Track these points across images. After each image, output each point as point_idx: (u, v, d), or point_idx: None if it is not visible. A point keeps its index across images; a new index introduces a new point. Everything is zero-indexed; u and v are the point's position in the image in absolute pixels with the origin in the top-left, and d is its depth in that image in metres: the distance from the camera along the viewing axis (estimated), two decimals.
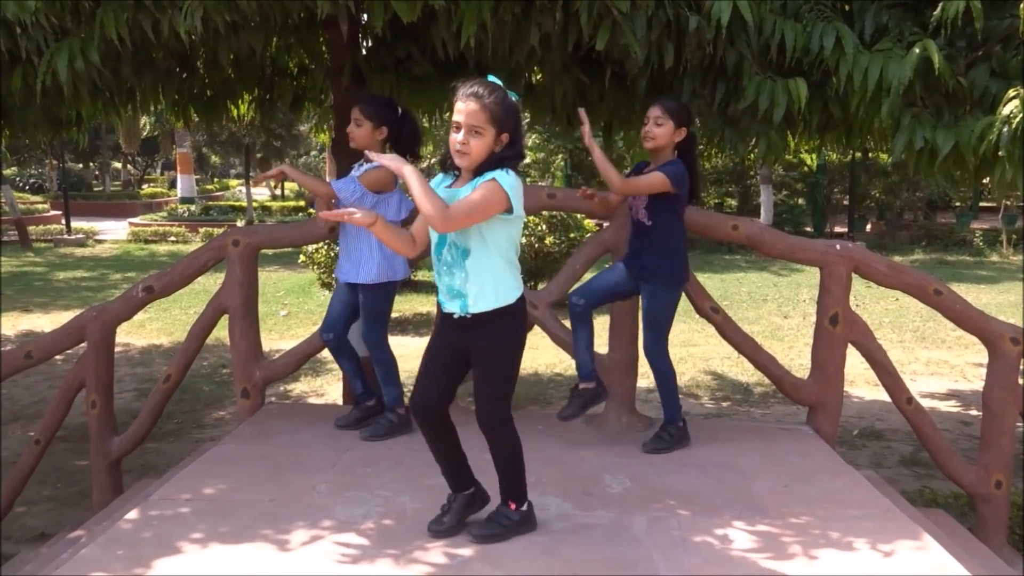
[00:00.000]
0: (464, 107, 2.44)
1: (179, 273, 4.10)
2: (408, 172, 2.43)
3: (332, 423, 3.88)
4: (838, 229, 20.17)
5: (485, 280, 2.57)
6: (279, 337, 8.86)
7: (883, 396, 4.39)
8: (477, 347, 2.62)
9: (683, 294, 3.71)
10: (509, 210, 2.50)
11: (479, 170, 2.52)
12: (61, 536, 3.58)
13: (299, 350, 4.18)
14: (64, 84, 3.65)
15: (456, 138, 2.47)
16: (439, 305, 2.72)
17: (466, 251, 2.57)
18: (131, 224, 21.60)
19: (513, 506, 2.74)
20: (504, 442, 2.69)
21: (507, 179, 2.47)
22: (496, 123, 2.45)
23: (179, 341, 5.46)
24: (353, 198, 3.49)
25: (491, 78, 2.51)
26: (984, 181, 4.57)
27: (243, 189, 27.54)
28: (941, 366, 8.02)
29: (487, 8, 3.38)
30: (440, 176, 2.69)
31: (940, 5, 3.41)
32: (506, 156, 2.51)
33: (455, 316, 2.61)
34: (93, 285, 13.21)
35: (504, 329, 2.63)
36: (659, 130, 3.46)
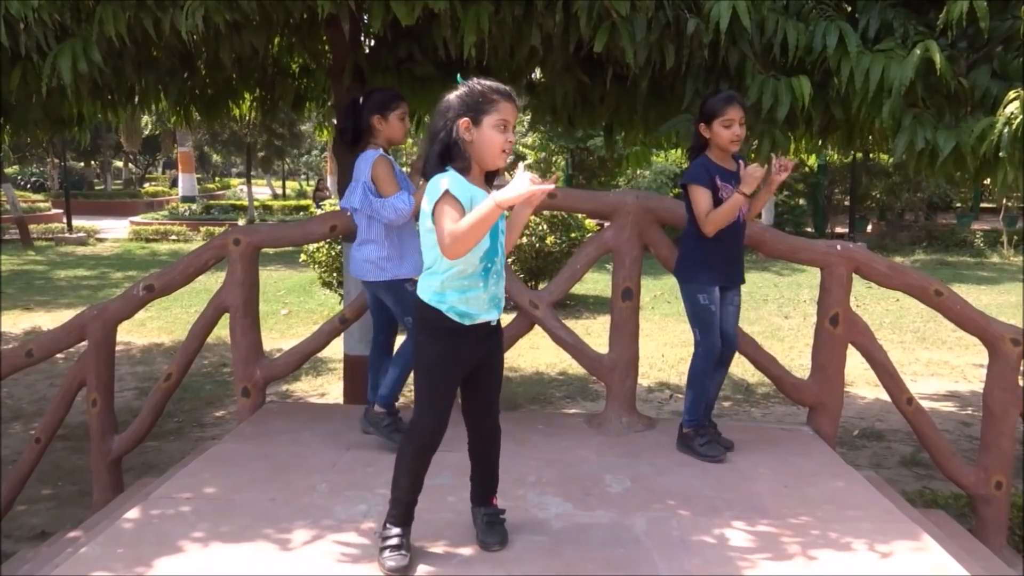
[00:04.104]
0: (510, 107, 2.40)
1: (180, 272, 4.10)
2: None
3: (332, 422, 3.88)
4: (839, 230, 20.17)
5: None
6: (280, 336, 8.86)
7: (883, 397, 4.40)
8: (493, 350, 2.61)
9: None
10: None
11: (494, 171, 2.52)
12: (61, 535, 3.59)
13: (300, 349, 4.18)
14: (69, 86, 3.65)
15: (508, 138, 2.40)
16: (455, 317, 2.46)
17: (503, 258, 2.57)
18: (132, 223, 21.63)
19: (495, 500, 2.74)
20: (500, 438, 2.72)
21: None
22: None
23: (180, 340, 5.46)
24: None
25: (459, 79, 2.47)
26: (985, 182, 4.57)
27: (244, 188, 27.54)
28: (941, 367, 8.02)
29: (486, 14, 3.38)
30: (455, 174, 2.40)
31: (945, 7, 3.41)
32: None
33: (491, 324, 2.54)
34: (94, 284, 13.22)
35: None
36: (744, 129, 3.44)
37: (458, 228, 2.28)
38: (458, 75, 2.48)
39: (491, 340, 2.57)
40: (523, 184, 2.20)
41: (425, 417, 2.53)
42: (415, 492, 2.61)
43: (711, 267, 3.53)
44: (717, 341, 3.56)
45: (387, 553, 2.52)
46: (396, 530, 2.57)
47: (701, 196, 3.42)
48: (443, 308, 2.46)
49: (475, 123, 2.39)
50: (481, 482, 2.73)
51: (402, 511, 2.60)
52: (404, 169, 3.70)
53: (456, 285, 2.45)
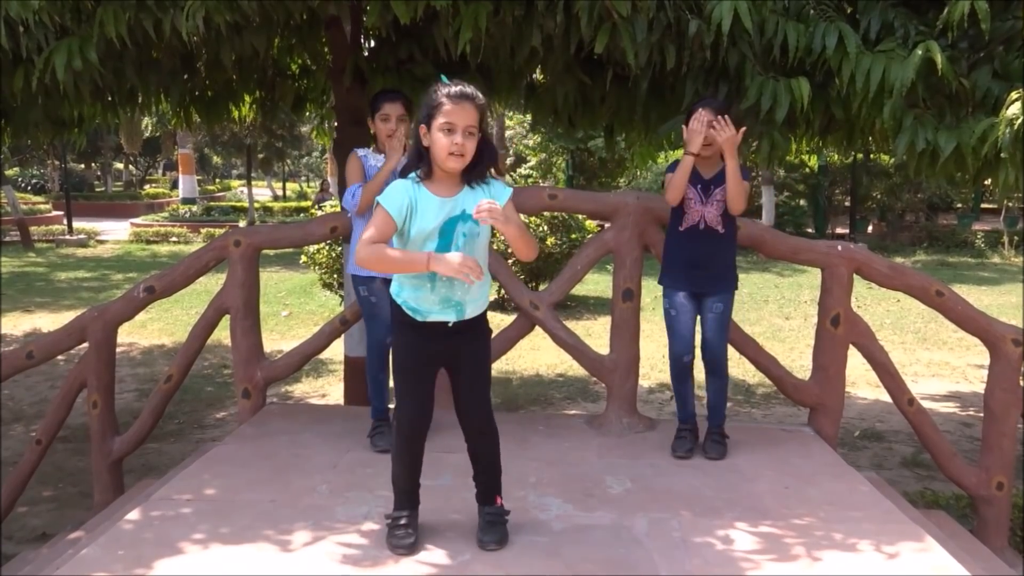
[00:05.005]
0: (458, 109, 2.42)
1: (180, 273, 4.10)
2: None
3: (333, 424, 3.88)
4: (839, 230, 20.18)
5: (483, 287, 2.62)
6: (280, 338, 8.86)
7: (884, 397, 4.39)
8: (466, 348, 2.63)
9: None
10: None
11: (471, 174, 2.52)
12: (62, 536, 3.59)
13: (300, 350, 4.18)
14: (62, 83, 3.64)
15: (454, 140, 2.43)
16: (408, 312, 2.57)
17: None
18: (133, 224, 21.64)
19: (499, 500, 2.75)
20: (497, 436, 2.72)
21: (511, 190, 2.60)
22: (482, 125, 2.50)
23: (180, 341, 5.47)
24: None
25: (443, 79, 2.52)
26: (986, 183, 4.57)
27: (244, 190, 27.55)
28: (942, 367, 8.01)
29: (485, 12, 3.38)
30: (405, 182, 2.52)
31: (946, 8, 3.40)
32: (491, 163, 2.54)
33: (449, 324, 2.58)
34: (95, 285, 13.22)
35: (487, 327, 2.71)
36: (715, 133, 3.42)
37: (374, 249, 2.43)
38: (442, 76, 2.54)
39: (457, 338, 2.60)
40: (453, 264, 2.36)
41: (401, 408, 2.67)
42: (412, 479, 2.73)
43: (670, 270, 3.60)
44: (675, 346, 3.59)
45: (394, 532, 2.66)
46: (400, 513, 2.70)
47: (668, 179, 3.53)
48: (399, 301, 2.60)
49: (428, 128, 2.47)
50: (480, 482, 2.74)
51: (403, 497, 2.73)
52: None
53: (407, 282, 2.57)
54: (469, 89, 2.46)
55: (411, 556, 2.60)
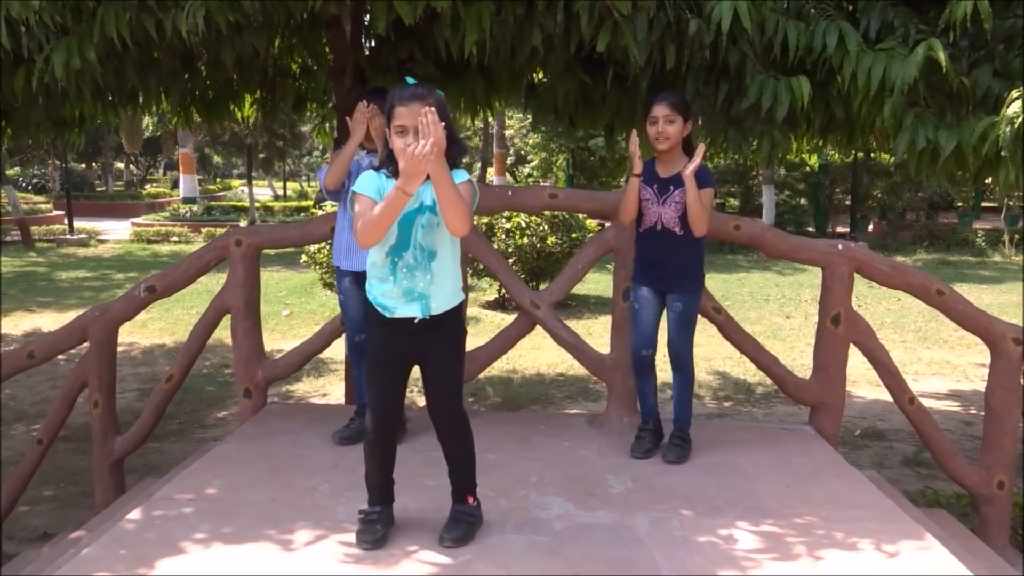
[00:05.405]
0: (407, 111, 2.45)
1: (181, 273, 4.10)
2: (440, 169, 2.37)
3: (334, 423, 3.87)
4: (840, 229, 20.18)
5: (447, 280, 2.61)
6: (281, 337, 8.87)
7: (885, 396, 4.39)
8: (435, 346, 2.63)
9: None
10: None
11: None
12: (63, 536, 3.59)
13: (301, 350, 4.19)
14: (61, 82, 3.65)
15: (407, 141, 2.44)
16: (379, 309, 2.60)
17: (433, 253, 2.57)
18: (133, 224, 21.64)
19: (471, 500, 2.76)
20: (468, 436, 2.73)
21: (471, 178, 2.60)
22: (443, 121, 2.48)
23: (181, 341, 5.47)
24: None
25: (410, 80, 2.54)
26: (986, 181, 4.56)
27: (245, 189, 27.56)
28: (943, 366, 8.01)
29: (487, 13, 3.39)
30: (375, 173, 2.59)
31: (948, 7, 3.40)
32: (457, 154, 2.52)
33: (415, 321, 2.57)
34: (96, 285, 13.23)
35: (459, 323, 2.70)
36: (672, 128, 3.40)
37: (364, 221, 2.46)
38: (407, 79, 2.57)
39: (427, 335, 2.60)
40: (405, 162, 2.32)
41: (369, 404, 2.72)
42: (384, 475, 2.75)
43: (636, 267, 3.64)
44: (635, 339, 3.61)
45: (363, 527, 2.69)
46: (372, 508, 2.73)
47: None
48: (371, 299, 2.63)
49: (390, 130, 2.53)
50: (452, 480, 2.77)
51: (375, 493, 2.76)
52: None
53: (375, 276, 2.61)
54: (419, 90, 2.49)
55: (408, 556, 2.59)
